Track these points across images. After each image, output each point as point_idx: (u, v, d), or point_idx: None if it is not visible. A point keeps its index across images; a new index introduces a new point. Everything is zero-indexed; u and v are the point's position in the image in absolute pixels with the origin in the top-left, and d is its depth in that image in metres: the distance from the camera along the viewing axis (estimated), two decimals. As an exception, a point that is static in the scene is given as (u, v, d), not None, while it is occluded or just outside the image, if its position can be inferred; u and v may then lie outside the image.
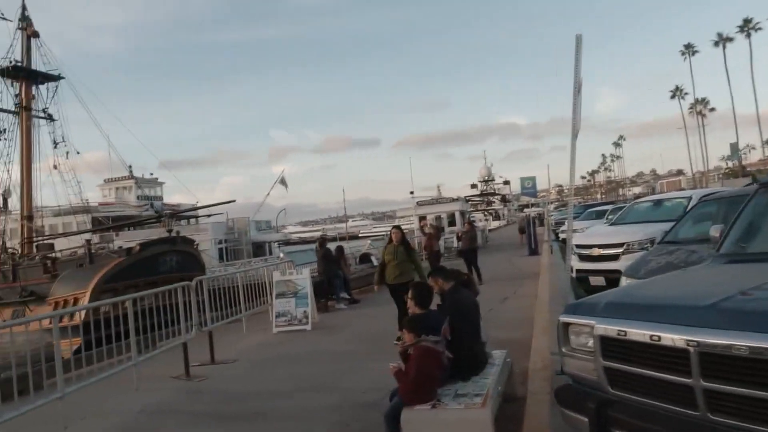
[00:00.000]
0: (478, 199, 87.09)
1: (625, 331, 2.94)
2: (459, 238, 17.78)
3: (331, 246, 14.95)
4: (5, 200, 38.02)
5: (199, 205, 33.69)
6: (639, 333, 2.86)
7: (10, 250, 21.95)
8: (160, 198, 48.42)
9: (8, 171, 28.22)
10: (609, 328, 3.03)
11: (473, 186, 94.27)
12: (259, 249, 43.30)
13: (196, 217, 45.89)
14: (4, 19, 25.77)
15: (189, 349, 7.15)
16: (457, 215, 39.03)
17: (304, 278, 10.84)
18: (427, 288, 4.70)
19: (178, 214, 24.47)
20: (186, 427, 5.28)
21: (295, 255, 17.26)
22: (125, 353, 6.30)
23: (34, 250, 23.90)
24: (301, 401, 5.79)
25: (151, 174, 54.13)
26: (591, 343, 3.14)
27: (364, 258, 20.13)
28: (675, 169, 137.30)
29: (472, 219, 25.14)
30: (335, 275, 13.54)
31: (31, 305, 19.46)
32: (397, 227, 8.93)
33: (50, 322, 6.50)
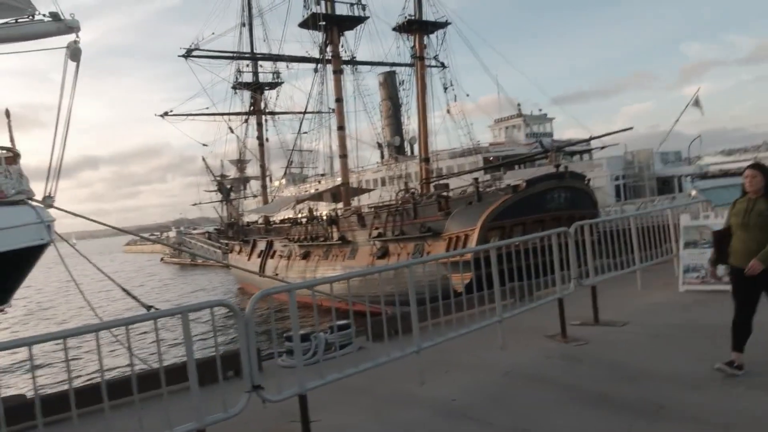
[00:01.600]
0: None
1: None
2: None
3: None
4: (411, 146, 45.53)
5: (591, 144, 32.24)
6: None
7: (411, 190, 25.76)
8: (550, 134, 49.20)
9: (408, 118, 33.30)
10: None
11: None
12: (665, 185, 38.50)
13: (588, 150, 44.33)
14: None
15: (567, 305, 6.39)
16: None
17: (725, 223, 8.59)
18: None
19: (564, 147, 23.84)
20: (558, 403, 4.59)
21: (714, 192, 14.21)
22: (490, 304, 5.91)
23: (431, 189, 27.45)
24: (720, 400, 4.28)
25: (540, 110, 55.63)
26: None
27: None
28: None
29: None
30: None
31: (428, 240, 22.33)
32: (757, 166, 5.09)
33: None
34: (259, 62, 36.95)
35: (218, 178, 45.25)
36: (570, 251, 6.52)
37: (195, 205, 46.50)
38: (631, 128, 23.34)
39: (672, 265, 9.15)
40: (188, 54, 30.93)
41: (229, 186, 42.19)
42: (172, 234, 78.46)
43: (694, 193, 18.15)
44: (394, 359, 4.98)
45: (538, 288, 6.94)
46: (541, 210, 20.83)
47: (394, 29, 28.07)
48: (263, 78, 37.62)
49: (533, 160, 28.20)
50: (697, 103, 47.98)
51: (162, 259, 69.69)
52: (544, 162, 39.98)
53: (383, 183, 40.76)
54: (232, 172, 46.52)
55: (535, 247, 6.54)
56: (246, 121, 38.15)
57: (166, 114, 34.97)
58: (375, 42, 48.23)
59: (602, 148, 29.40)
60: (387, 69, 38.64)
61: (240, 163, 45.32)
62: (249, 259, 34.27)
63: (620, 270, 8.07)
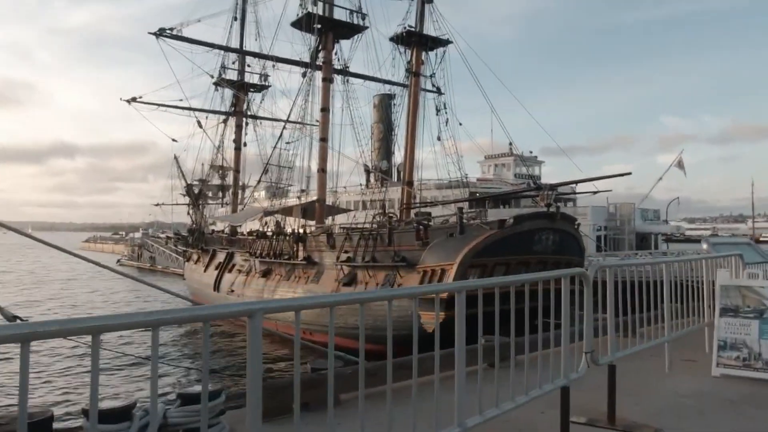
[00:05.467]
0: None
1: None
2: None
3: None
4: (399, 172, 43.56)
5: (579, 188, 30.65)
6: None
7: (390, 214, 23.57)
8: (538, 178, 48.14)
9: (398, 143, 31.25)
10: None
11: None
12: (643, 241, 38.67)
13: (574, 200, 43.48)
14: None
15: (573, 390, 4.05)
16: None
17: (779, 288, 6.41)
18: None
19: (559, 185, 21.77)
20: None
21: (726, 248, 12.23)
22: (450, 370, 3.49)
23: (412, 216, 25.26)
24: None
25: (531, 152, 54.73)
26: None
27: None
28: None
29: None
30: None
31: (401, 271, 20.09)
32: None
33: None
34: (247, 62, 34.85)
35: (195, 182, 42.68)
36: (585, 308, 4.20)
37: (157, 205, 43.78)
38: (629, 173, 21.62)
39: (702, 336, 6.91)
40: (160, 33, 28.46)
41: (197, 190, 39.49)
42: (138, 235, 75.11)
43: (705, 247, 16.15)
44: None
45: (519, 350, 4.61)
46: (527, 251, 19.06)
47: (391, 39, 26.20)
48: (249, 79, 35.45)
49: (524, 197, 26.29)
50: (680, 164, 49.51)
51: (119, 261, 66.02)
52: (529, 204, 38.64)
53: (364, 206, 38.61)
54: (214, 179, 44.15)
55: (525, 291, 4.25)
56: (225, 121, 35.77)
57: (133, 99, 32.41)
58: (371, 57, 46.54)
59: (595, 192, 27.68)
60: (381, 88, 36.87)
61: (221, 169, 43.04)
62: (205, 271, 31.51)
63: (647, 341, 5.66)
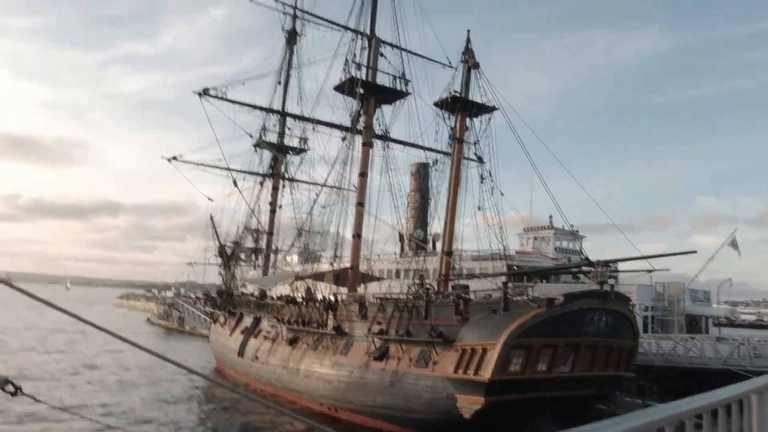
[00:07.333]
0: None
1: None
2: None
3: None
4: (434, 243, 42.19)
5: (623, 267, 28.57)
6: None
7: (426, 286, 22.07)
8: (579, 253, 46.05)
9: (437, 212, 30.06)
10: None
11: None
12: (693, 324, 36.40)
13: (615, 277, 40.95)
14: (450, 66, 28.31)
15: None
16: None
17: None
18: None
19: (614, 261, 19.87)
20: None
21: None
22: None
23: (450, 289, 23.70)
24: None
25: (572, 226, 52.60)
26: None
27: None
28: None
29: None
30: None
31: (437, 347, 18.40)
32: None
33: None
34: (287, 125, 34.92)
35: (229, 244, 42.16)
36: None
37: (189, 264, 43.23)
38: (695, 251, 19.70)
39: None
40: (204, 93, 28.66)
41: (230, 251, 38.86)
42: (170, 294, 74.71)
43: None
44: None
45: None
46: (577, 333, 17.32)
47: (435, 104, 25.60)
48: (289, 142, 35.40)
49: (575, 273, 24.36)
50: (734, 244, 46.92)
51: (148, 320, 65.02)
52: (569, 280, 36.33)
53: (398, 275, 37.16)
54: (247, 241, 43.65)
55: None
56: (261, 183, 35.48)
57: (174, 158, 32.52)
58: (412, 124, 46.28)
59: (650, 271, 25.58)
60: (421, 156, 36.17)
61: (255, 232, 42.64)
62: (231, 335, 30.17)
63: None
